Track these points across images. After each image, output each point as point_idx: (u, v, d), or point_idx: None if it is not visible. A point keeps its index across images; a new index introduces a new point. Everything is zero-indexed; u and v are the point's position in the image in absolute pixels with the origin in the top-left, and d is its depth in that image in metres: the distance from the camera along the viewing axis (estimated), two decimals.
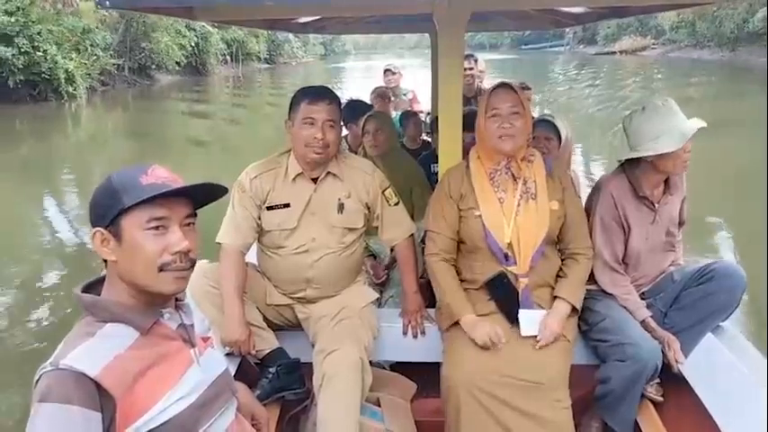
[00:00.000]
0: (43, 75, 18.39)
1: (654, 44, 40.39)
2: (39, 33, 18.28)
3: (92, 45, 21.31)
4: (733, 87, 20.42)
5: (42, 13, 18.61)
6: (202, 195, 1.31)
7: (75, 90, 19.55)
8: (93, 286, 1.29)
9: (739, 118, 12.71)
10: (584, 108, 15.78)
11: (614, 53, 40.78)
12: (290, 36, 39.64)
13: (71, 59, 19.48)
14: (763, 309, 4.06)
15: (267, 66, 39.73)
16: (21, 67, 17.70)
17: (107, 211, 1.21)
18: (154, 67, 26.46)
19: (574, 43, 52.66)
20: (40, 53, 18.10)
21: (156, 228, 1.21)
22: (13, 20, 17.37)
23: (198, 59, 30.26)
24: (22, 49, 17.62)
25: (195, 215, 1.30)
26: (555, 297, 2.16)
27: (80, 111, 18.38)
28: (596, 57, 41.03)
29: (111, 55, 22.90)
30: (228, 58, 33.98)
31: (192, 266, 1.28)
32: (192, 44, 28.73)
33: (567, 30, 39.42)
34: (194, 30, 28.23)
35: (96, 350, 1.15)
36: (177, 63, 27.71)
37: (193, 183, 1.26)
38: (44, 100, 18.56)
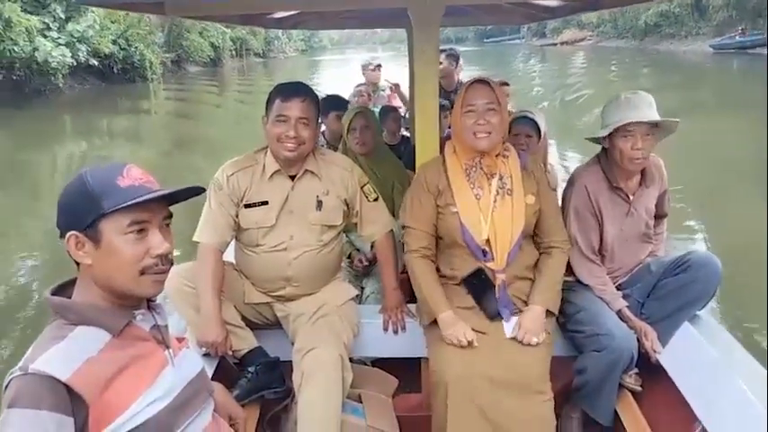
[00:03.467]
0: (134, 64, 27.28)
1: (589, 36, 49.94)
2: (131, 35, 26.83)
3: (152, 43, 29.37)
4: (639, 68, 27.28)
5: (131, 19, 26.03)
6: (180, 194, 1.29)
7: (153, 75, 28.41)
8: (64, 289, 1.27)
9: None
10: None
11: (555, 44, 50.23)
12: (279, 33, 47.01)
13: (150, 53, 28.29)
14: (763, 307, 4.14)
15: (262, 59, 48.66)
16: (120, 58, 26.42)
17: (84, 215, 1.18)
18: (190, 60, 35.23)
19: (529, 36, 62.15)
20: (133, 49, 26.92)
21: (137, 231, 1.19)
22: (115, 26, 25.79)
23: (215, 54, 38.60)
24: (121, 47, 26.19)
25: (171, 215, 1.29)
26: (529, 302, 2.16)
27: (158, 88, 26.82)
28: (543, 48, 49.84)
29: (163, 51, 31.45)
30: (234, 52, 42.58)
31: (170, 268, 1.27)
32: (218, 42, 37.72)
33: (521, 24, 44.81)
34: (215, 30, 36.72)
35: (67, 354, 1.13)
36: (209, 57, 36.80)
37: (174, 187, 1.24)
38: (132, 82, 27.04)
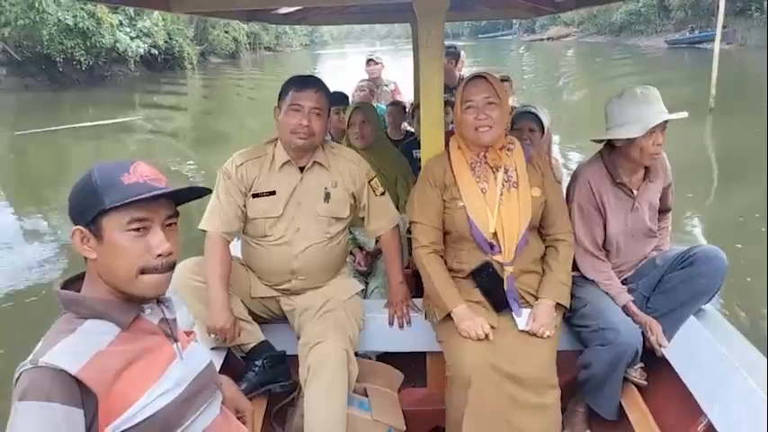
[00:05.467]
0: (174, 55, 31.69)
1: (574, 32, 54.82)
2: (172, 30, 30.78)
3: (186, 37, 33.66)
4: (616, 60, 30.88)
5: (173, 17, 29.00)
6: (185, 194, 1.28)
7: (189, 64, 33.10)
8: (73, 283, 1.27)
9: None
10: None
11: (543, 40, 54.72)
12: (287, 28, 50.19)
13: (187, 46, 32.97)
14: (764, 301, 4.16)
15: (272, 53, 52.72)
16: (164, 50, 30.17)
17: (87, 210, 1.18)
18: (214, 53, 39.62)
19: (520, 32, 66.69)
20: (174, 42, 31.22)
21: (138, 229, 1.19)
22: (162, 23, 29.31)
23: (235, 47, 43.08)
24: (164, 40, 29.85)
25: (177, 215, 1.28)
26: (540, 296, 2.16)
27: (194, 76, 31.48)
28: (533, 43, 54.47)
29: (194, 44, 35.53)
30: (248, 46, 46.74)
31: (173, 268, 1.26)
32: (239, 37, 42.10)
33: (514, 20, 50.95)
34: (237, 25, 40.80)
35: (76, 347, 1.13)
36: (230, 50, 41.16)
37: (176, 187, 1.23)
38: (172, 70, 31.48)
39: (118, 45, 25.45)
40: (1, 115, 16.80)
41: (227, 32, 39.77)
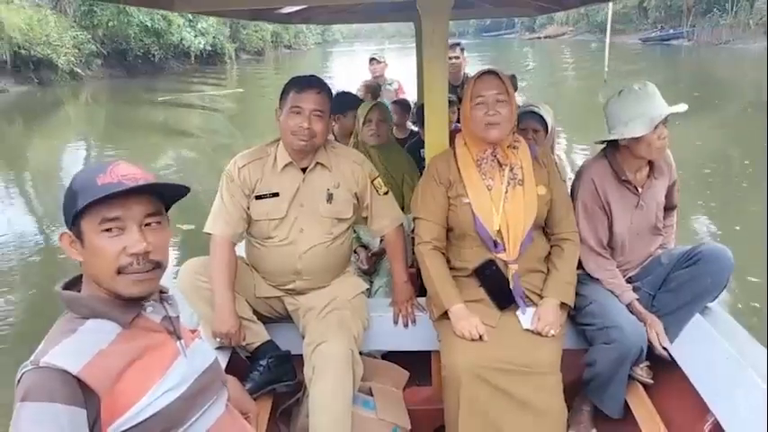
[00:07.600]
0: (217, 51, 35.76)
1: (569, 31, 59.46)
2: (216, 30, 34.53)
3: (224, 36, 37.66)
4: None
5: (216, 19, 31.59)
6: (169, 192, 1.27)
7: (228, 59, 37.15)
8: (75, 284, 1.28)
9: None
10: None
11: (540, 38, 60.13)
12: (303, 27, 52.55)
13: (227, 43, 37.26)
14: (764, 300, 4.16)
15: (290, 50, 57.11)
16: (209, 47, 33.87)
17: (67, 214, 1.20)
18: (244, 50, 43.07)
19: (522, 31, 73.22)
20: (216, 39, 35.01)
21: (111, 229, 1.18)
22: (204, 24, 33.21)
23: (262, 45, 47.40)
24: (208, 37, 33.63)
25: (161, 213, 1.26)
26: (545, 295, 2.16)
27: (233, 69, 35.20)
28: (532, 41, 59.28)
29: (230, 42, 39.60)
30: (271, 44, 50.68)
31: (156, 268, 1.24)
32: (266, 37, 46.30)
33: (516, 19, 56.18)
34: (264, 25, 44.07)
35: (78, 347, 1.13)
36: (258, 49, 45.39)
37: (150, 182, 1.21)
38: (214, 64, 35.21)
39: (183, 42, 30.96)
40: (121, 93, 22.80)
41: (256, 32, 43.72)
